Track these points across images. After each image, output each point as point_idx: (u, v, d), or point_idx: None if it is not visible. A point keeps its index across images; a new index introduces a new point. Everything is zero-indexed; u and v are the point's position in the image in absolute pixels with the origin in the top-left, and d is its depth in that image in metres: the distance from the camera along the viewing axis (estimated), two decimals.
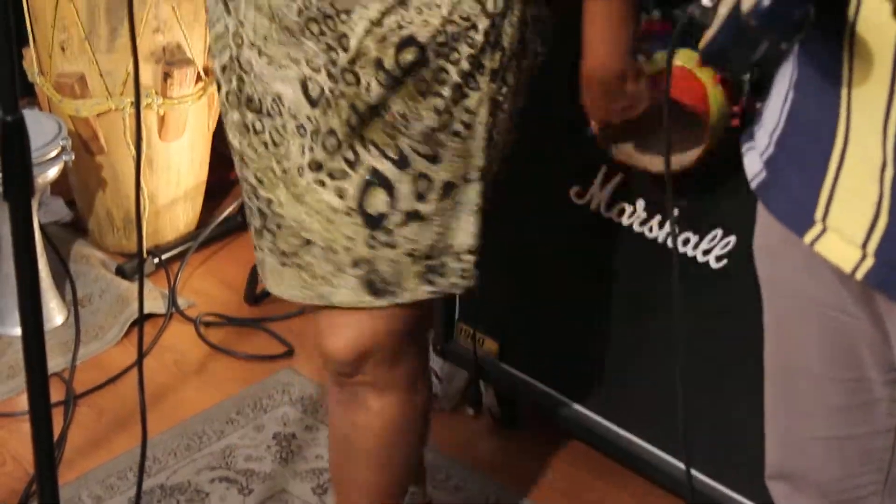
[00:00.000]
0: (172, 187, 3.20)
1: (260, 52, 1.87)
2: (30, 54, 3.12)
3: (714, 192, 2.14)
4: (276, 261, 1.97)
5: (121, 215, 3.20)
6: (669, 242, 2.22)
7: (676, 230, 2.20)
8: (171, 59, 3.03)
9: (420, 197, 1.87)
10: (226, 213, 3.30)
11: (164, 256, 3.20)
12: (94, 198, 3.19)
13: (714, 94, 1.94)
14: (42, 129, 2.86)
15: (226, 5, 1.90)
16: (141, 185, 2.15)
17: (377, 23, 1.78)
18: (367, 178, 1.86)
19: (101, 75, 3.01)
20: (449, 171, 1.87)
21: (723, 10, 1.32)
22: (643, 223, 2.28)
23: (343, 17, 1.79)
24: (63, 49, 3.01)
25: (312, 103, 1.85)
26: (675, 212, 2.19)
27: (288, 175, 1.90)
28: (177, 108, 3.08)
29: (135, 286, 3.06)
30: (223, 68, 1.95)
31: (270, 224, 1.95)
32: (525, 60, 1.89)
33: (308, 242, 1.92)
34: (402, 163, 1.85)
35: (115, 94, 3.03)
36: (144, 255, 3.11)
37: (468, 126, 1.85)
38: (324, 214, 1.89)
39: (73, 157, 2.89)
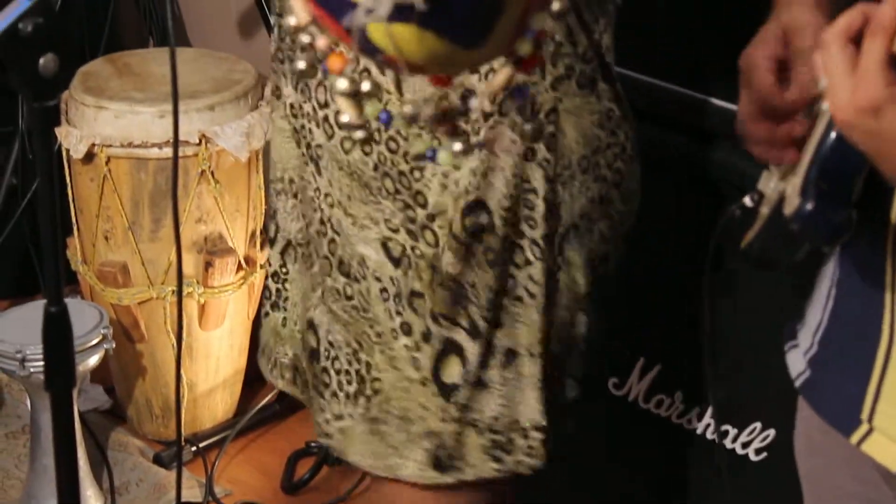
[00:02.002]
0: (211, 375, 3.21)
1: (345, 212, 1.83)
2: (74, 243, 3.16)
3: (752, 385, 2.14)
4: (366, 427, 1.90)
5: (160, 403, 3.20)
6: (708, 435, 2.21)
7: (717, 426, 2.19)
8: (213, 249, 3.07)
9: (483, 364, 1.83)
10: (264, 402, 3.29)
11: (201, 444, 3.19)
12: (134, 385, 3.20)
13: None
14: (83, 317, 2.88)
15: (316, 165, 1.87)
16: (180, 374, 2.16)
17: (452, 182, 1.75)
18: (442, 347, 1.82)
19: (143, 264, 3.04)
20: (511, 337, 1.83)
21: (765, 211, 1.33)
22: (681, 415, 2.27)
23: (416, 173, 1.76)
24: (107, 238, 3.05)
25: (395, 263, 1.81)
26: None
27: (383, 339, 1.85)
28: (217, 297, 3.10)
29: (172, 474, 3.05)
30: (320, 233, 1.91)
31: (367, 389, 1.89)
32: (590, 237, 1.84)
33: (389, 411, 1.87)
34: (473, 333, 1.81)
35: (157, 282, 3.06)
36: (182, 443, 3.11)
37: (532, 295, 1.81)
38: (402, 384, 1.85)
39: (114, 345, 2.91)
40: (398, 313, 1.83)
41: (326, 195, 1.87)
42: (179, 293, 1.77)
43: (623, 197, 1.89)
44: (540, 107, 1.76)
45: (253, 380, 3.36)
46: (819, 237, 1.25)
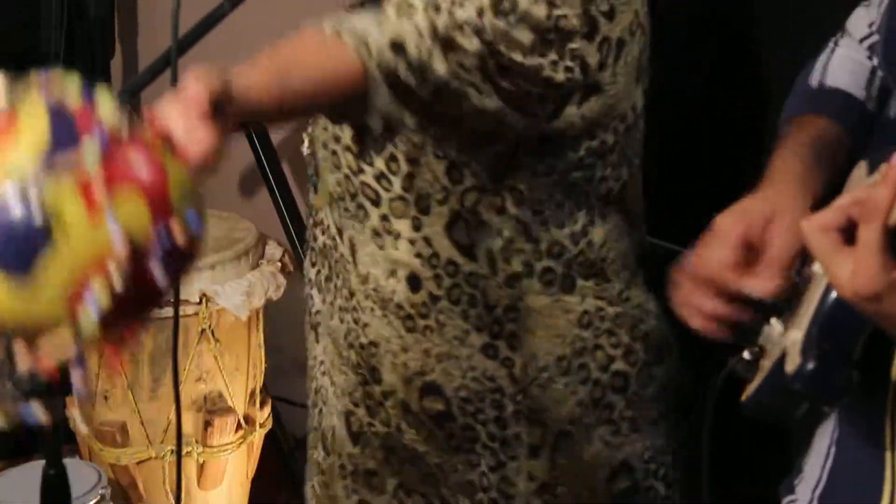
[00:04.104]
0: None
1: (331, 380, 1.82)
2: (72, 403, 3.15)
3: None
4: None
5: None
6: None
7: None
8: (212, 408, 3.06)
9: None
10: None
11: None
12: None
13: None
14: (81, 478, 2.85)
15: (316, 334, 1.87)
16: None
17: (401, 363, 1.71)
18: None
19: (142, 424, 3.03)
20: None
21: (766, 365, 1.32)
22: None
23: (372, 349, 1.73)
24: (106, 398, 3.04)
25: (354, 439, 1.79)
26: None
27: None
28: (216, 456, 3.09)
29: None
30: (313, 404, 1.93)
31: None
32: (590, 446, 1.74)
33: None
34: None
35: (156, 442, 3.04)
36: None
37: (508, 497, 1.73)
38: None
39: None
40: (354, 491, 1.82)
41: (321, 362, 1.87)
42: (179, 453, 1.76)
43: (631, 403, 1.76)
44: (496, 302, 1.68)
45: None
46: (820, 396, 1.24)
